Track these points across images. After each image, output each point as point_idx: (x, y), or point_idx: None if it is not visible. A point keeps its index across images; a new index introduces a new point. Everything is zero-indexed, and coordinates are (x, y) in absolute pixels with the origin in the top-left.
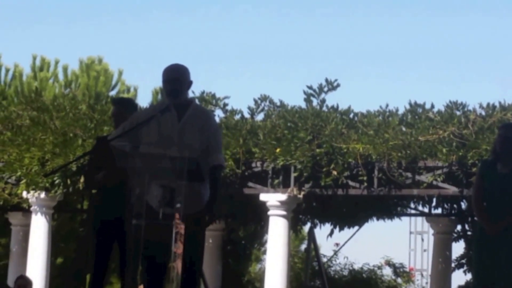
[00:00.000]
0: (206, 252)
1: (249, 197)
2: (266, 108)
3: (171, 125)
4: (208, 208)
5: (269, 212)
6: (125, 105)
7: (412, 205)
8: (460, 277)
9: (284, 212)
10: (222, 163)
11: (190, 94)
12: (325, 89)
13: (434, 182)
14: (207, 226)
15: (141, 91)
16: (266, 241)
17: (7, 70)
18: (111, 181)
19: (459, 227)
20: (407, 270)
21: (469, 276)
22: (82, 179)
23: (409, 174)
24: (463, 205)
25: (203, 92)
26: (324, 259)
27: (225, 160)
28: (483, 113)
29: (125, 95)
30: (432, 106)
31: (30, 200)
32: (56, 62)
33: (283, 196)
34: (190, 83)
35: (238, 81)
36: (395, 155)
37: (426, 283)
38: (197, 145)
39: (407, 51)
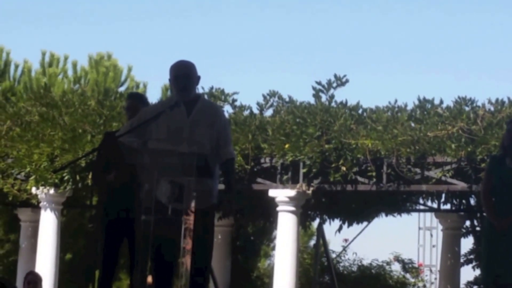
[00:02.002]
0: (215, 248)
1: (258, 193)
2: (275, 104)
3: (180, 121)
4: (226, 201)
5: (278, 208)
6: (139, 100)
7: (421, 201)
8: (469, 272)
9: (293, 208)
10: (234, 155)
11: (199, 90)
12: (334, 84)
13: (443, 178)
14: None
15: (150, 87)
16: (275, 237)
17: (16, 66)
18: (121, 181)
19: (467, 223)
20: (416, 265)
21: (478, 272)
22: (90, 175)
23: (418, 170)
24: (472, 200)
25: (212, 88)
26: (333, 255)
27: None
28: (492, 108)
29: (135, 91)
30: (441, 102)
31: (39, 196)
32: (65, 58)
33: (292, 192)
34: (198, 78)
35: (247, 77)
36: (404, 151)
37: (435, 278)
38: (206, 141)
39: (416, 47)
